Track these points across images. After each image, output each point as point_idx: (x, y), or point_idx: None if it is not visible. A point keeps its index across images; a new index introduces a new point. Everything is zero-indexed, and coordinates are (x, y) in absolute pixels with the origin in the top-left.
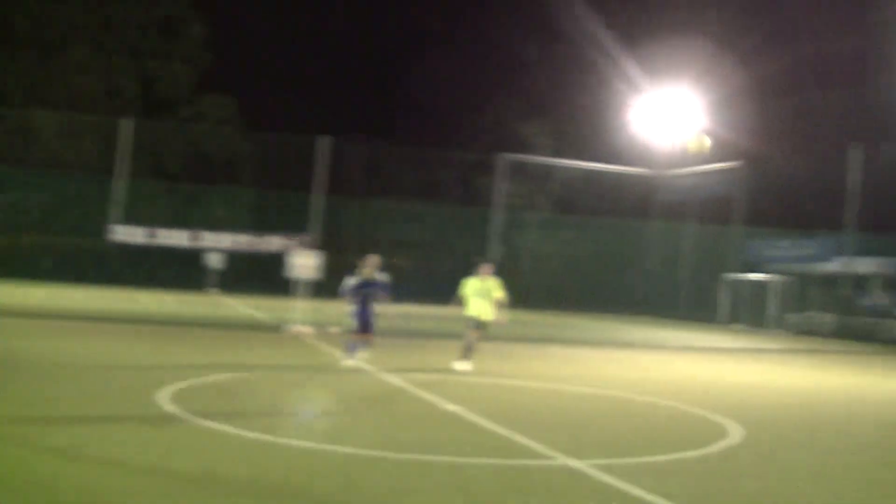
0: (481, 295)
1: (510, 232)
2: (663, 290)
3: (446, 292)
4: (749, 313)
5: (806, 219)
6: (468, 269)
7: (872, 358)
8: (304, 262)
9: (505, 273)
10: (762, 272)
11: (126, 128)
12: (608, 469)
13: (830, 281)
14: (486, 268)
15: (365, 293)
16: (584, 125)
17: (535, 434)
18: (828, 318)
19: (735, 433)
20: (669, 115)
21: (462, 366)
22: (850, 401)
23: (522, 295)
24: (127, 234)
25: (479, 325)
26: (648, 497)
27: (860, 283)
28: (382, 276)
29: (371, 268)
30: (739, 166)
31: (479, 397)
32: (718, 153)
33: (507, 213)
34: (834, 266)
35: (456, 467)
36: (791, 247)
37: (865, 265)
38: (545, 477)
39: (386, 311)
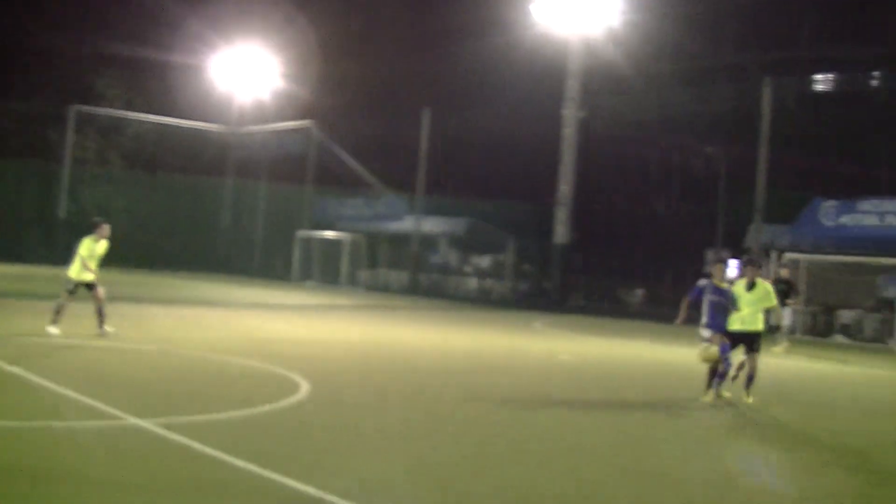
0: (94, 257)
1: (79, 187)
2: (238, 248)
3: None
4: (322, 271)
5: (378, 179)
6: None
7: (437, 312)
8: None
9: (75, 230)
10: (335, 230)
11: None
12: (177, 427)
13: (401, 239)
14: (105, 230)
15: None
16: (159, 79)
17: (102, 395)
18: (398, 275)
19: (304, 388)
20: (244, 72)
21: (54, 329)
22: (413, 352)
23: None
24: None
25: (76, 289)
26: (215, 453)
27: (429, 241)
28: None
29: None
30: (312, 125)
31: (43, 357)
32: (291, 111)
33: (77, 168)
34: (404, 225)
35: (22, 432)
36: (363, 206)
37: (434, 225)
38: (111, 437)
39: None
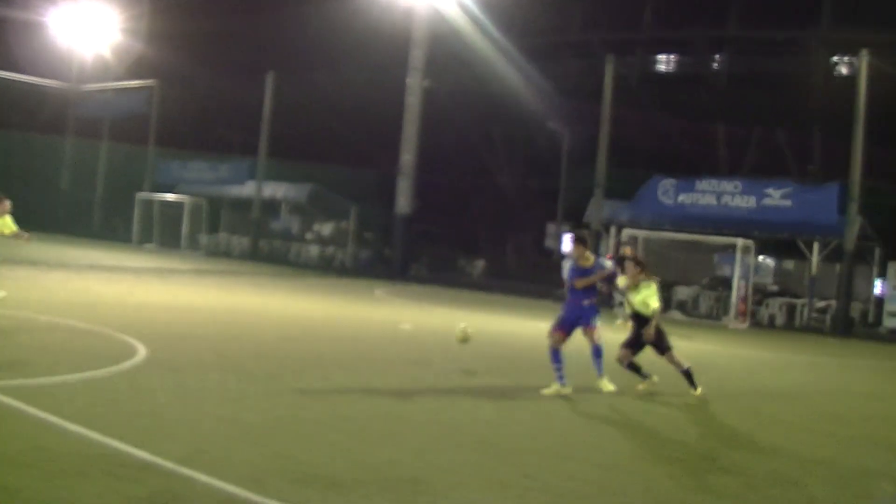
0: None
1: None
2: (78, 209)
3: None
4: (162, 234)
5: (220, 142)
6: None
7: (278, 279)
8: None
9: None
10: (176, 193)
11: None
12: (8, 390)
13: (243, 204)
14: (5, 205)
15: None
16: None
17: None
18: (240, 240)
19: (141, 352)
20: (85, 28)
21: None
22: (253, 318)
23: None
24: None
25: None
26: (48, 417)
27: (271, 207)
28: None
29: None
30: (155, 85)
31: None
32: (134, 70)
33: None
34: (246, 189)
35: None
36: (205, 169)
37: (276, 190)
38: None
39: None
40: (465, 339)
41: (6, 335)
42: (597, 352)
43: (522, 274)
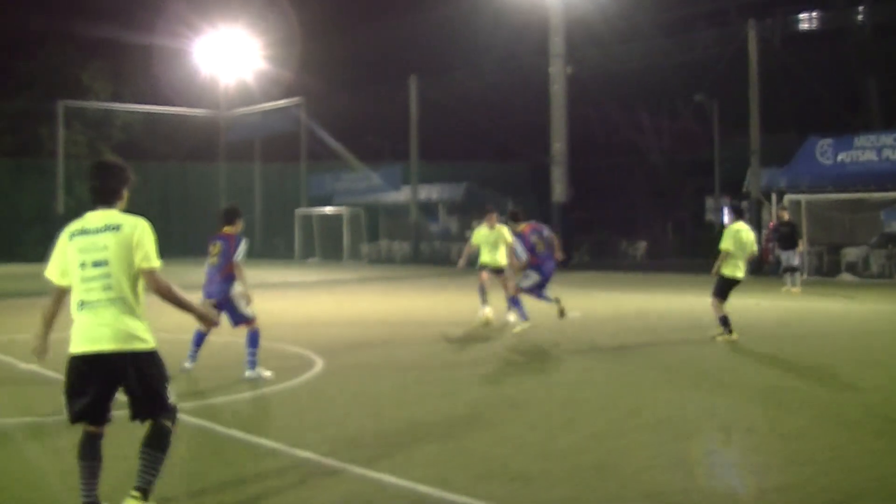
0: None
1: (74, 182)
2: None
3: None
4: (324, 247)
5: (371, 150)
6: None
7: (442, 280)
8: None
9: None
10: (332, 205)
11: None
12: (193, 411)
13: (400, 209)
14: None
15: None
16: (143, 67)
17: None
18: (400, 246)
19: (317, 363)
20: (229, 56)
21: None
22: (422, 321)
23: None
24: None
25: None
26: (235, 433)
27: (427, 209)
28: None
29: None
30: (301, 102)
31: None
32: (279, 90)
33: (68, 163)
34: (402, 195)
35: (42, 427)
36: (358, 179)
37: (430, 192)
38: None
39: None
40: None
41: (183, 358)
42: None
43: (685, 251)
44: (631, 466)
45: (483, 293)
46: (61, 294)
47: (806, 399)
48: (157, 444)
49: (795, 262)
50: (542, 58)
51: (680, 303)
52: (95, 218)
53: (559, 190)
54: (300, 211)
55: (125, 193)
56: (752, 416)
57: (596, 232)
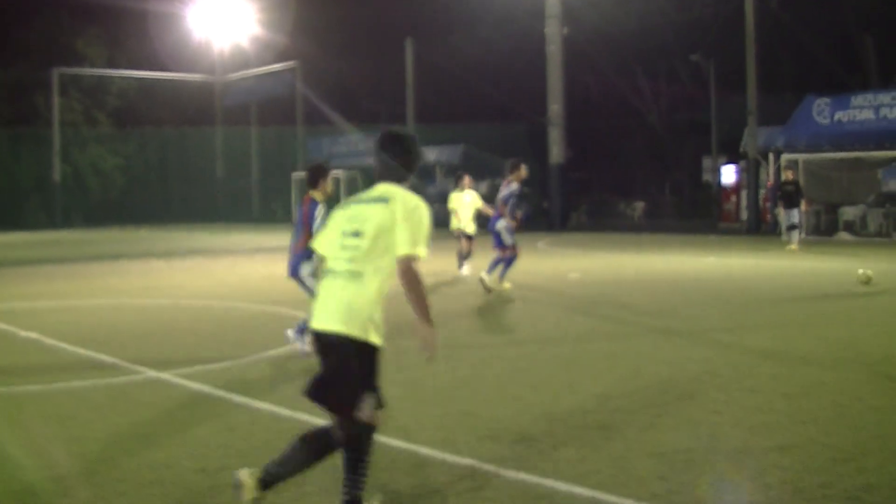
0: None
1: (70, 149)
2: (236, 195)
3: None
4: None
5: (367, 113)
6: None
7: (440, 242)
8: None
9: (70, 193)
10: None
11: None
12: (195, 376)
13: None
14: None
15: None
16: (138, 33)
17: (119, 351)
18: None
19: None
20: (223, 20)
21: None
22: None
23: (89, 213)
24: None
25: None
26: (237, 398)
27: (425, 172)
28: None
29: None
30: (296, 66)
31: (57, 321)
32: (274, 55)
33: (65, 130)
34: None
35: (46, 394)
36: (354, 142)
37: (428, 154)
38: (136, 392)
39: None
40: (867, 281)
41: (188, 324)
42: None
43: (682, 211)
44: (635, 426)
45: (462, 258)
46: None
47: (807, 359)
48: (312, 447)
49: (796, 220)
50: (538, 19)
51: (678, 263)
52: (375, 190)
53: (557, 151)
54: (297, 175)
55: (413, 169)
56: (754, 375)
57: (594, 193)
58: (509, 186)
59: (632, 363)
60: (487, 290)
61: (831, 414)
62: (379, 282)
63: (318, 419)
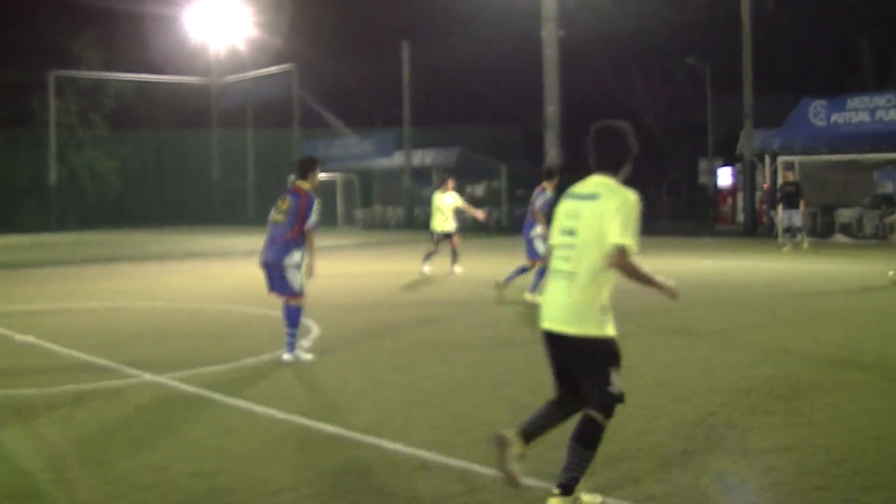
0: None
1: (66, 151)
2: (232, 198)
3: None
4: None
5: (364, 116)
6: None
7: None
8: None
9: (66, 196)
10: (326, 171)
11: None
12: (191, 379)
13: (394, 174)
14: None
15: None
16: (134, 36)
17: (115, 354)
18: (395, 211)
19: (314, 329)
20: (220, 22)
21: None
22: (416, 285)
23: (85, 215)
24: None
25: None
26: (233, 401)
27: (421, 174)
28: None
29: None
30: (293, 69)
31: (52, 323)
32: (270, 57)
33: (61, 133)
34: (395, 160)
35: (44, 398)
36: (352, 145)
37: (424, 157)
38: (131, 395)
39: None
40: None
41: (184, 328)
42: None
43: (679, 213)
44: (631, 428)
45: (428, 257)
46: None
47: (803, 360)
48: (582, 439)
49: (798, 222)
50: (534, 21)
51: (675, 265)
52: (589, 183)
53: (552, 154)
54: (293, 177)
55: (628, 161)
56: (750, 377)
57: None
58: (543, 194)
59: (627, 365)
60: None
61: (827, 416)
62: (595, 278)
63: (315, 423)
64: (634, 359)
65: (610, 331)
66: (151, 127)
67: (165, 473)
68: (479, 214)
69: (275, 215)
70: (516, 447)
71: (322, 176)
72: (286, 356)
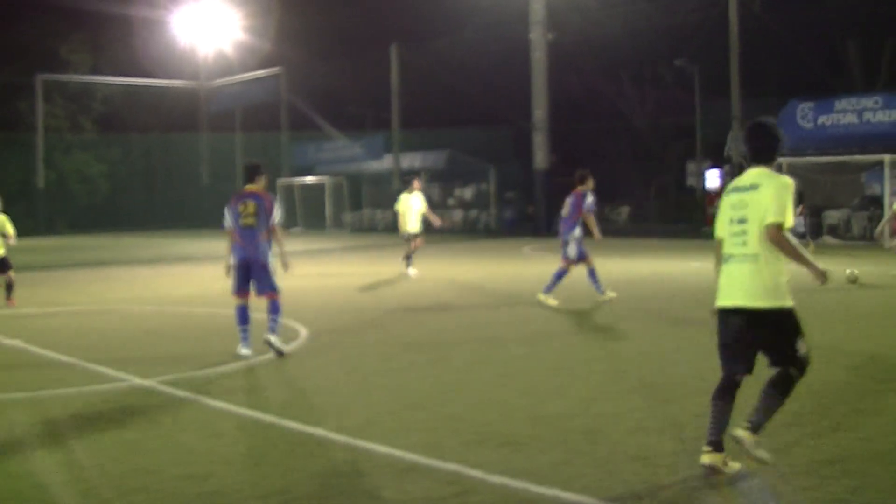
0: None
1: (55, 155)
2: (220, 201)
3: None
4: (306, 216)
5: (353, 119)
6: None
7: (426, 247)
8: None
9: (54, 200)
10: (314, 175)
11: None
12: (180, 383)
13: (382, 177)
14: None
15: None
16: (122, 40)
17: (104, 358)
18: (383, 214)
19: (302, 333)
20: (209, 26)
21: None
22: (410, 289)
23: (74, 219)
24: None
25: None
26: (223, 405)
27: (409, 177)
28: None
29: None
30: (281, 72)
31: (41, 327)
32: (258, 60)
33: (49, 137)
34: (384, 163)
35: (33, 402)
36: (340, 148)
37: (413, 160)
38: (121, 399)
39: None
40: (854, 280)
41: (173, 331)
42: None
43: (667, 215)
44: (620, 430)
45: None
46: (719, 245)
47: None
48: (779, 388)
49: (801, 228)
50: (523, 24)
51: (663, 267)
52: (748, 176)
53: (541, 156)
54: (282, 181)
55: (778, 151)
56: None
57: None
58: (585, 196)
59: (617, 367)
60: (609, 300)
61: (816, 416)
62: (775, 257)
63: (304, 426)
64: (623, 361)
65: (786, 302)
66: (140, 131)
67: (155, 477)
68: (437, 221)
69: (244, 220)
70: (749, 438)
71: (311, 179)
72: (271, 336)
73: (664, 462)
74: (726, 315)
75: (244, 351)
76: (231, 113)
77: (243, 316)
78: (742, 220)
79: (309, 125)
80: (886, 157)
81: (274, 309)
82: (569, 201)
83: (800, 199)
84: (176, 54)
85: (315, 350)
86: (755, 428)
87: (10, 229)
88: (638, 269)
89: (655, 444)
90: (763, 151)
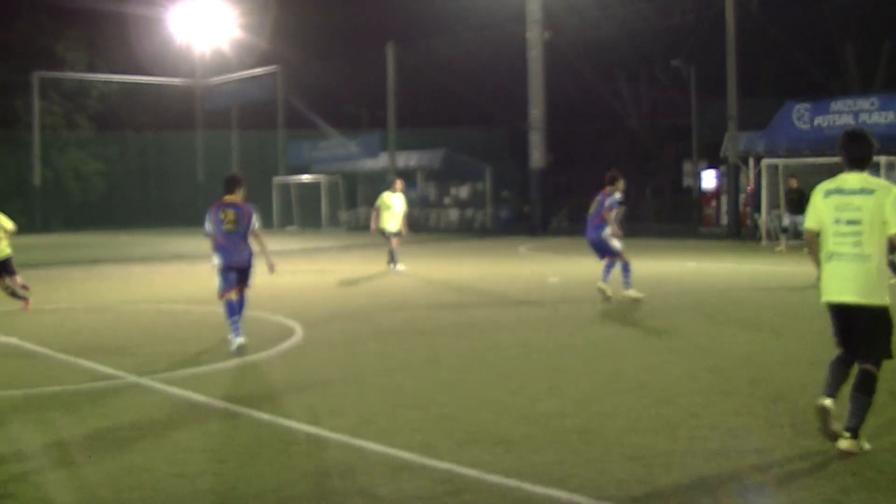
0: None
1: (50, 153)
2: (215, 199)
3: None
4: (302, 215)
5: (349, 118)
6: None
7: (422, 247)
8: None
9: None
10: (310, 174)
11: None
12: (175, 381)
13: (378, 176)
14: None
15: None
16: (118, 37)
17: (99, 356)
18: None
19: (297, 331)
20: (205, 23)
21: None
22: (406, 288)
23: (69, 217)
24: None
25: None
26: (217, 403)
27: (406, 176)
28: None
29: None
30: (277, 70)
31: (36, 325)
32: (254, 59)
33: (46, 134)
34: (380, 162)
35: (27, 399)
36: (336, 147)
37: (409, 159)
38: (115, 397)
39: None
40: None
41: (169, 329)
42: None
43: (663, 216)
44: (613, 430)
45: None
46: (813, 238)
47: (785, 362)
48: (861, 388)
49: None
50: (520, 24)
51: (659, 267)
52: (852, 180)
53: (537, 156)
54: (278, 179)
55: (872, 158)
56: (733, 379)
57: (574, 197)
58: (612, 196)
59: (611, 367)
60: (606, 299)
61: (809, 417)
62: (881, 257)
63: (298, 424)
64: (618, 361)
65: (887, 300)
66: (136, 128)
67: (149, 475)
68: (405, 230)
69: (226, 226)
70: (832, 408)
71: (307, 178)
72: (241, 340)
73: (658, 461)
74: (832, 309)
75: (238, 340)
76: (227, 111)
77: (232, 308)
78: (854, 222)
79: (305, 124)
80: (882, 159)
81: (242, 306)
82: (597, 199)
83: (802, 201)
84: (172, 52)
85: (309, 348)
86: (854, 432)
87: (8, 224)
88: (634, 270)
89: (649, 443)
90: (860, 159)
